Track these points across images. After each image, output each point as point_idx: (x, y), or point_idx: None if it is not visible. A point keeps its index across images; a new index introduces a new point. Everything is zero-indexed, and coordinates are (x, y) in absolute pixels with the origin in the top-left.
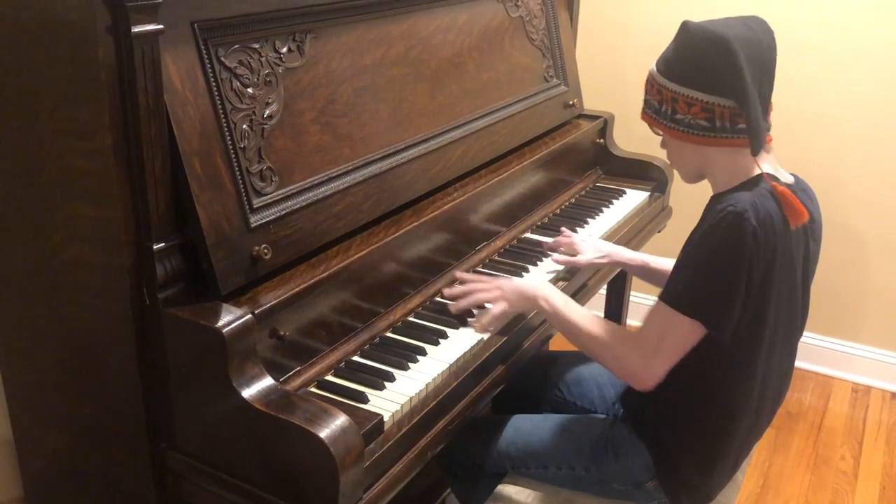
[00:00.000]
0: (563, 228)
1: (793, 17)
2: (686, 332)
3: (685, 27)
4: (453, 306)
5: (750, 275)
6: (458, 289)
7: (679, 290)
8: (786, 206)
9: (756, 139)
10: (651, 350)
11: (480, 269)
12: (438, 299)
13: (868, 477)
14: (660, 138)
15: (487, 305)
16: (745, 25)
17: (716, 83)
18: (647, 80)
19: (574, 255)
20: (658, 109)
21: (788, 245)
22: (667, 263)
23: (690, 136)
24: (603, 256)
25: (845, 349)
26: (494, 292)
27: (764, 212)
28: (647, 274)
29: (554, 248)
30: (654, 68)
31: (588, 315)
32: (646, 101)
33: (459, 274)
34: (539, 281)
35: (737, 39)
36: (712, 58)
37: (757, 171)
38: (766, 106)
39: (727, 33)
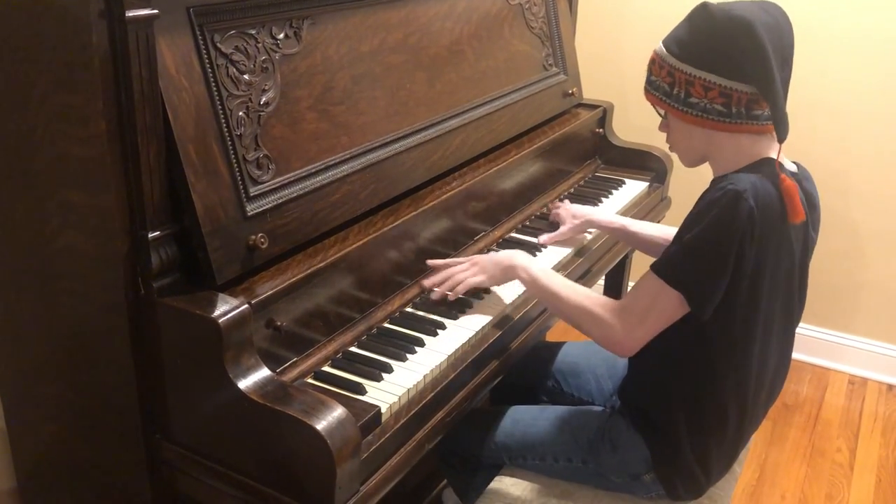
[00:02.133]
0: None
1: (797, 3)
2: (671, 304)
3: (707, 9)
4: (435, 294)
5: (741, 255)
6: (435, 277)
7: (668, 262)
8: (788, 199)
9: (783, 127)
10: (636, 319)
11: None
12: (437, 289)
13: (864, 469)
14: (657, 122)
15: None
16: (764, 11)
17: (739, 69)
18: (654, 62)
19: (556, 228)
20: (669, 92)
21: (787, 232)
22: (646, 227)
23: (704, 120)
24: (581, 222)
25: (842, 341)
26: (472, 269)
27: (764, 194)
28: (626, 237)
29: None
30: (663, 49)
31: (569, 284)
32: (651, 82)
33: (432, 262)
34: (518, 252)
35: (761, 26)
36: (738, 43)
37: (762, 157)
38: (785, 96)
39: (753, 19)
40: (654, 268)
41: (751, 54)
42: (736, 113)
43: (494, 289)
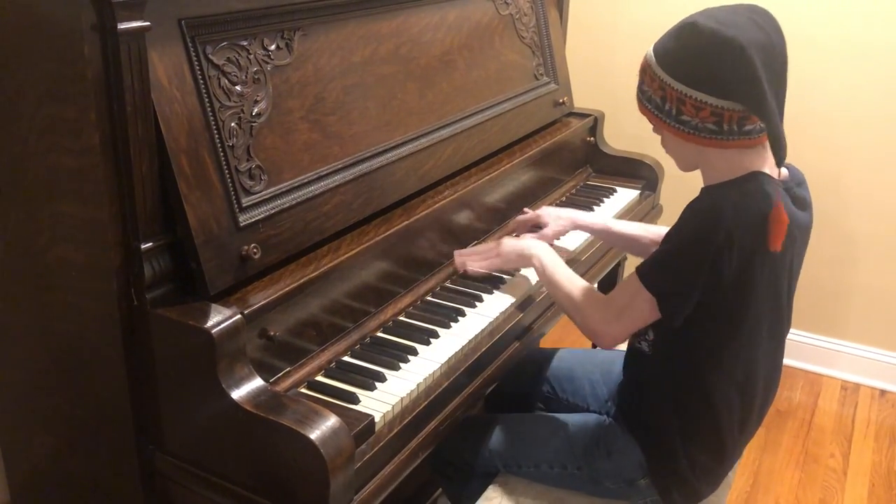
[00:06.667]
0: (525, 209)
1: (790, 10)
2: (646, 306)
3: (696, 28)
4: (461, 267)
5: (716, 270)
6: (464, 251)
7: (648, 265)
8: (774, 225)
9: (781, 150)
10: (614, 314)
11: None
12: (429, 298)
13: (857, 474)
14: (648, 130)
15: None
16: (755, 25)
17: (730, 90)
18: (646, 71)
19: (540, 230)
20: (661, 107)
21: (772, 251)
22: (631, 227)
23: (696, 137)
24: (565, 222)
25: (834, 347)
26: (493, 250)
27: (745, 212)
28: (611, 237)
29: (522, 228)
30: (654, 59)
31: (570, 276)
32: (643, 93)
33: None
34: (539, 242)
35: (752, 46)
36: (728, 65)
37: (753, 169)
38: (781, 112)
39: (742, 40)
40: (637, 269)
41: (742, 77)
42: (728, 130)
43: (486, 297)
